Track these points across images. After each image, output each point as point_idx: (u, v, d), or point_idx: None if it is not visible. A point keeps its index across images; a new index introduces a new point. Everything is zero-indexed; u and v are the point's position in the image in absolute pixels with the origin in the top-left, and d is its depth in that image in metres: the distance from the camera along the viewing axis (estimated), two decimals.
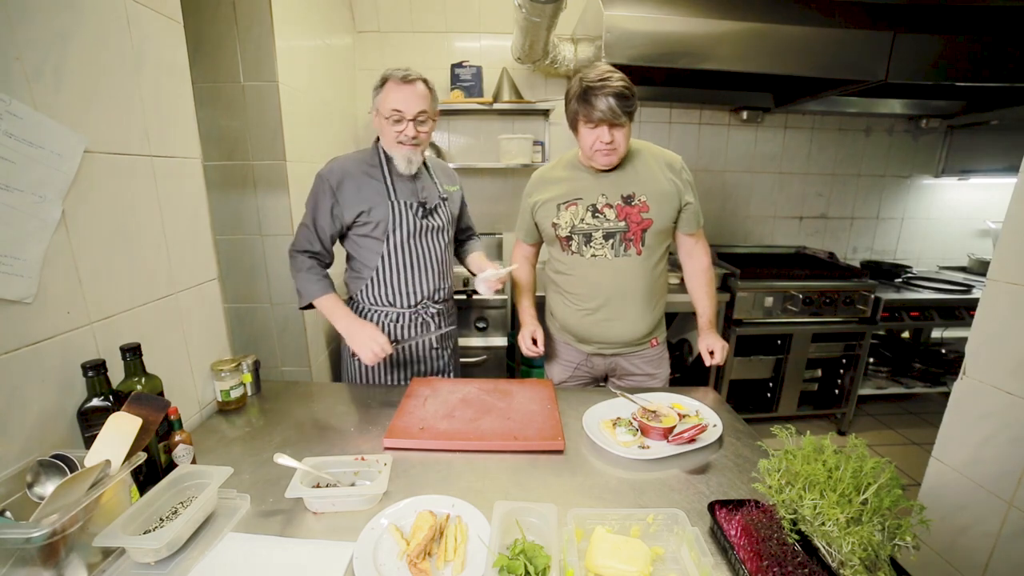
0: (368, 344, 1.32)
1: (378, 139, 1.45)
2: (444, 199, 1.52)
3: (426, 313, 1.53)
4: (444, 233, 1.51)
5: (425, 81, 1.36)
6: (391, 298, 1.48)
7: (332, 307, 1.40)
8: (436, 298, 1.54)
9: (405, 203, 1.42)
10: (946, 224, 3.35)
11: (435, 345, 1.57)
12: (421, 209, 1.44)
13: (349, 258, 1.52)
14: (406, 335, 1.52)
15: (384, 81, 1.33)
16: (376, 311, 1.50)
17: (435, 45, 2.75)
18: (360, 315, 1.50)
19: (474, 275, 1.57)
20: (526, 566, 0.69)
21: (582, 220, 1.42)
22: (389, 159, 1.42)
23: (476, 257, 1.64)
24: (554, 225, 1.46)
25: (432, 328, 1.55)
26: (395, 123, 1.33)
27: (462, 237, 1.73)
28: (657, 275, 1.47)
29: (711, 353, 1.47)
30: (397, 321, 1.51)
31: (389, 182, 1.42)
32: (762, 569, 0.71)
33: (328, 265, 1.49)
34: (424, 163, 1.50)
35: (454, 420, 1.19)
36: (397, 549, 0.80)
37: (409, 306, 1.50)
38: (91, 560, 0.75)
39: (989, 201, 3.27)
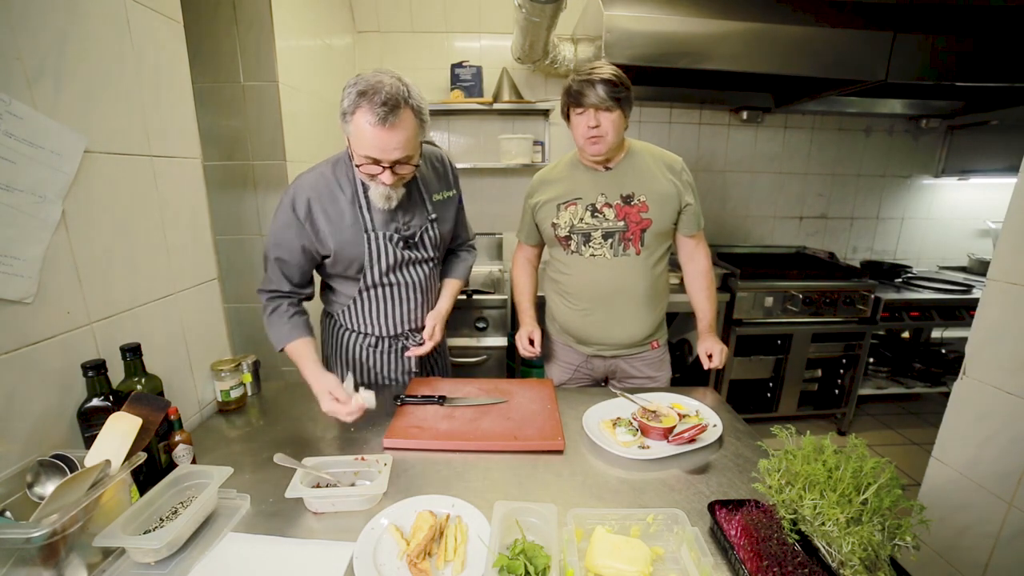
0: (323, 403, 1.12)
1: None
2: (433, 220, 1.31)
3: (407, 341, 1.41)
4: (429, 262, 1.35)
5: (411, 108, 1.05)
6: (368, 328, 1.36)
7: (298, 356, 1.19)
8: (417, 327, 1.39)
9: (384, 235, 1.23)
10: (946, 224, 3.35)
11: (414, 370, 1.45)
12: (402, 242, 1.26)
13: (324, 284, 1.39)
14: (384, 362, 1.41)
15: (353, 108, 1.01)
16: (354, 333, 1.39)
17: (435, 45, 2.74)
18: (339, 334, 1.40)
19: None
20: (526, 566, 0.69)
21: (581, 220, 1.42)
22: (365, 183, 1.19)
23: (445, 286, 1.43)
24: (553, 225, 1.46)
25: (412, 357, 1.41)
26: (368, 165, 1.08)
27: (452, 246, 1.51)
28: (657, 276, 1.46)
29: (710, 357, 1.47)
30: (376, 347, 1.40)
31: (365, 211, 1.21)
32: (762, 569, 0.71)
33: (307, 298, 1.31)
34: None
35: (454, 420, 1.19)
36: (397, 549, 0.80)
37: (388, 335, 1.38)
38: (91, 560, 0.75)
39: (989, 201, 3.27)
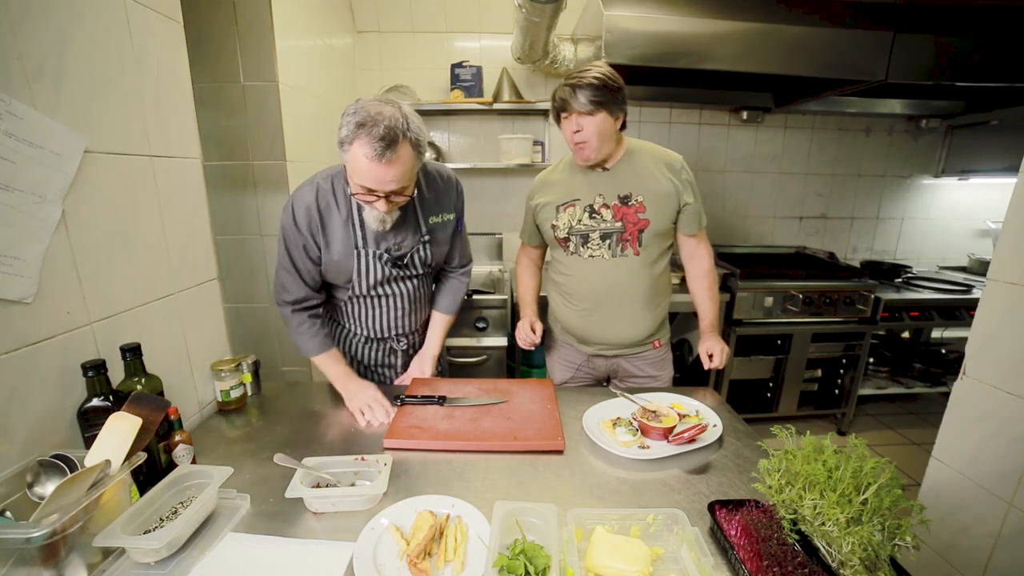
0: (364, 404, 1.24)
1: None
2: (426, 241, 1.31)
3: (396, 344, 1.46)
4: (418, 277, 1.38)
5: (410, 141, 1.04)
6: (358, 328, 1.43)
7: (328, 366, 1.31)
8: (405, 331, 1.44)
9: (373, 253, 1.25)
10: (946, 224, 3.35)
11: (400, 371, 1.52)
12: (391, 262, 1.28)
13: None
14: (374, 357, 1.48)
15: (351, 140, 1.02)
16: (348, 329, 1.45)
17: (435, 45, 2.74)
18: (335, 328, 1.46)
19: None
20: (526, 566, 0.69)
21: (579, 221, 1.42)
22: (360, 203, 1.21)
23: (433, 322, 1.48)
24: (553, 227, 1.46)
25: (399, 356, 1.49)
26: (364, 195, 1.10)
27: (447, 269, 1.50)
28: (657, 275, 1.46)
29: (710, 356, 1.47)
30: (365, 344, 1.46)
31: (358, 228, 1.23)
32: (762, 569, 0.71)
33: (320, 306, 1.36)
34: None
35: (454, 420, 1.19)
36: (397, 549, 0.80)
37: (377, 337, 1.44)
38: (91, 560, 0.75)
39: (989, 201, 3.27)
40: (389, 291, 1.34)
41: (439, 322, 1.49)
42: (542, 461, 1.06)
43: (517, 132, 2.81)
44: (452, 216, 1.37)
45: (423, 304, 1.45)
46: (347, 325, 1.43)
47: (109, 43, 0.96)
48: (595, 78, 1.28)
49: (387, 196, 1.09)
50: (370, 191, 1.08)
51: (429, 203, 1.31)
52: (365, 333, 1.43)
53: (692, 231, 1.48)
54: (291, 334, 1.32)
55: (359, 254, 1.24)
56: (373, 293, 1.33)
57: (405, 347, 1.49)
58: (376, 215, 1.15)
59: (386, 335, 1.43)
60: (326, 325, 1.35)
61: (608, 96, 1.28)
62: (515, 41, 2.36)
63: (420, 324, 1.49)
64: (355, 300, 1.36)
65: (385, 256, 1.26)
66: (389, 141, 1.00)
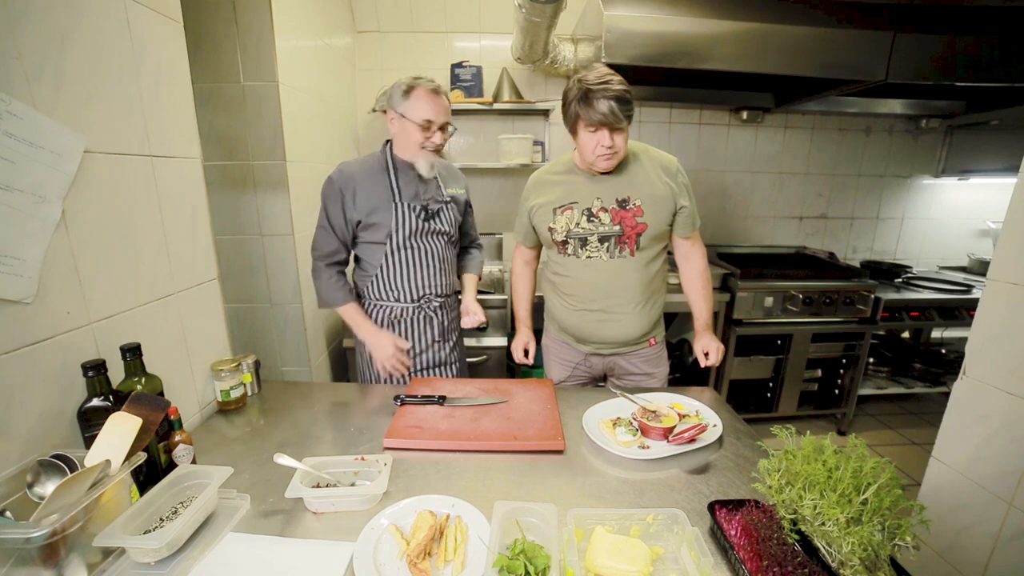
0: (387, 352, 1.47)
1: (387, 144, 1.50)
2: (447, 202, 1.55)
3: (428, 307, 1.57)
4: (445, 235, 1.56)
5: (444, 93, 1.43)
6: (395, 294, 1.53)
7: (353, 317, 1.51)
8: (438, 292, 1.58)
9: (408, 205, 1.47)
10: (946, 224, 3.35)
11: (436, 338, 1.60)
12: (424, 212, 1.49)
13: (357, 259, 1.59)
14: (410, 328, 1.58)
15: (411, 89, 1.38)
16: (381, 305, 1.55)
17: (435, 45, 2.75)
18: (367, 310, 1.58)
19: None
20: (526, 566, 0.69)
21: (577, 224, 1.42)
22: (396, 165, 1.48)
23: (466, 280, 1.70)
24: (550, 230, 1.46)
25: (435, 323, 1.60)
26: (424, 131, 1.39)
27: (464, 243, 1.74)
28: (653, 274, 1.46)
29: (706, 355, 1.47)
30: (401, 315, 1.55)
31: (394, 185, 1.47)
32: (762, 569, 0.71)
33: (346, 263, 1.56)
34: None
35: (454, 420, 1.19)
36: (397, 549, 0.80)
37: (412, 300, 1.55)
38: (91, 560, 0.75)
39: (989, 201, 3.27)
40: (421, 245, 1.52)
41: (469, 280, 1.70)
42: (542, 461, 1.06)
43: (517, 132, 2.81)
44: (463, 191, 1.64)
45: (449, 268, 1.62)
46: (385, 295, 1.54)
47: (109, 43, 0.96)
48: (625, 91, 1.26)
49: (441, 129, 1.42)
50: (430, 124, 1.39)
51: (447, 178, 1.60)
52: (402, 298, 1.54)
53: (687, 233, 1.48)
54: (321, 288, 1.52)
55: (396, 206, 1.46)
56: (408, 245, 1.50)
57: (438, 306, 1.60)
58: (428, 160, 1.45)
59: (420, 294, 1.55)
60: (349, 284, 1.56)
61: (632, 108, 1.29)
62: (515, 41, 2.36)
63: (449, 289, 1.63)
64: (391, 257, 1.50)
65: (417, 207, 1.48)
66: (438, 84, 1.41)
